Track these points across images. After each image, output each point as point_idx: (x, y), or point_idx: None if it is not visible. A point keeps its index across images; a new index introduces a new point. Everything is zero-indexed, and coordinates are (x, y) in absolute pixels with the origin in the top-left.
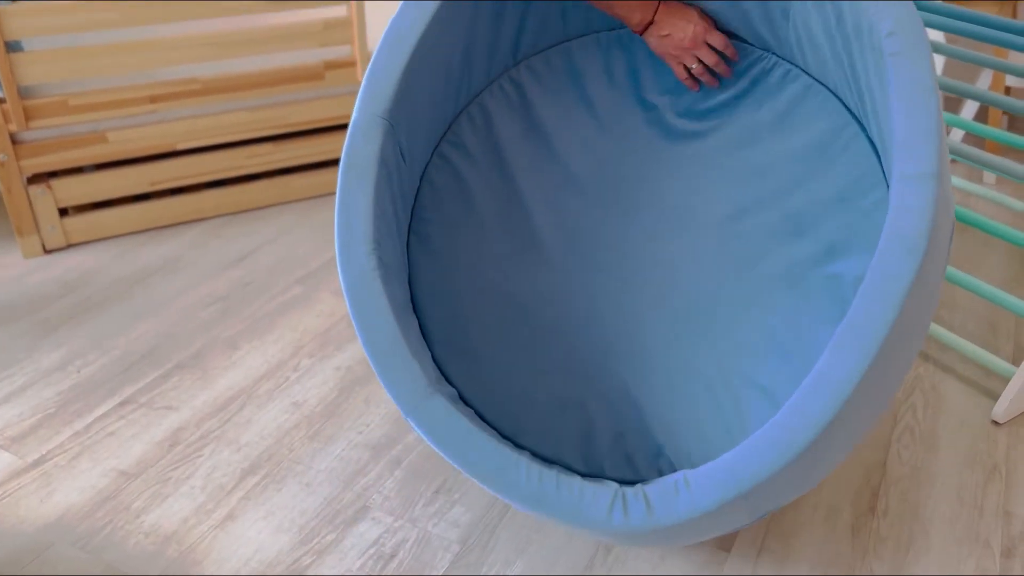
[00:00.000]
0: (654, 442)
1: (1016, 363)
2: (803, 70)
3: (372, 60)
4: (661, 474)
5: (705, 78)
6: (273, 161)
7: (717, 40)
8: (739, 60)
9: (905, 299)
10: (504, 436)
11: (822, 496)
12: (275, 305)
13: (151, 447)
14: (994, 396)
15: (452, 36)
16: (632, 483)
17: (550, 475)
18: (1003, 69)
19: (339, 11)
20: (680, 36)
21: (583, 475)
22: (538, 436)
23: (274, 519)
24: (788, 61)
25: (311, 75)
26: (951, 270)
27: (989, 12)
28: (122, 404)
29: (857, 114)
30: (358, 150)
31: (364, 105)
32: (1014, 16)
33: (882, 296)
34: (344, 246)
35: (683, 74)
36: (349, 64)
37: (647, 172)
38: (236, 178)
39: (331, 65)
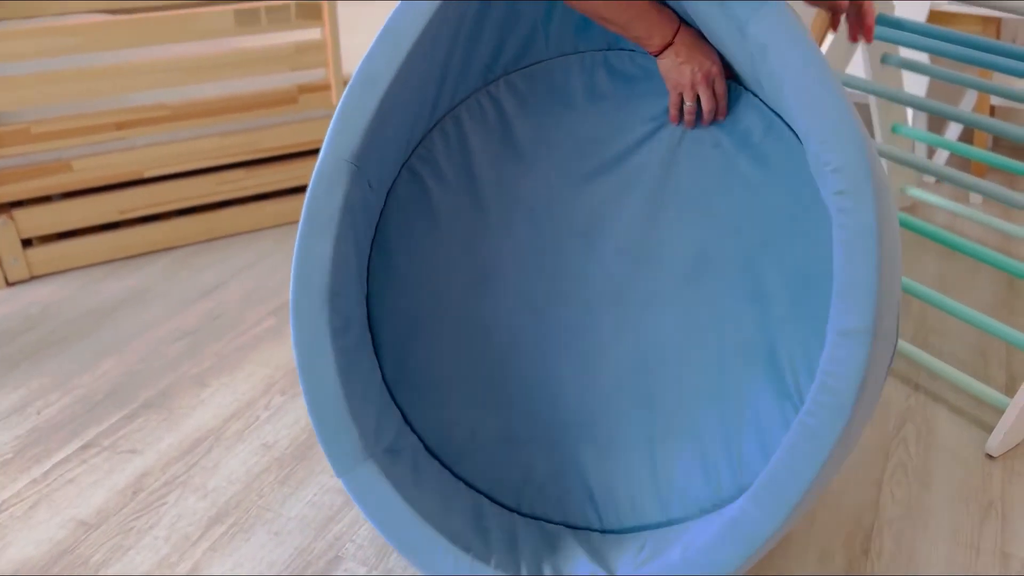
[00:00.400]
0: (587, 489)
1: (1009, 393)
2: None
3: (342, 101)
4: (588, 522)
5: (689, 117)
6: (245, 187)
7: (719, 87)
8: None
9: (828, 457)
10: (444, 464)
11: (813, 538)
12: (246, 339)
13: (113, 495)
14: (987, 427)
15: (430, 60)
16: (560, 524)
17: (465, 560)
18: (987, 90)
19: (313, 34)
20: (694, 68)
21: (515, 512)
22: (477, 469)
23: (242, 571)
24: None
25: (284, 99)
26: (940, 296)
27: (973, 31)
28: (84, 448)
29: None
30: (320, 199)
31: (331, 149)
32: (998, 35)
33: (805, 455)
34: (298, 301)
35: (675, 103)
36: (324, 88)
37: (619, 202)
38: (207, 205)
39: (305, 89)
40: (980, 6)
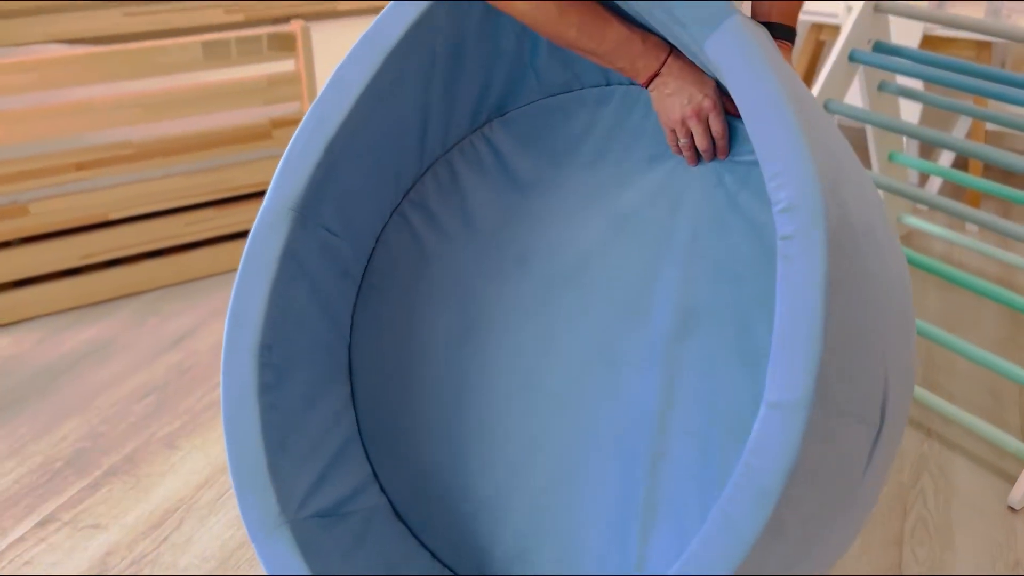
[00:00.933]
0: (553, 554)
1: None
2: None
3: (289, 145)
4: None
5: (687, 154)
6: (216, 227)
7: (716, 124)
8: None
9: (747, 553)
10: (409, 528)
11: None
12: (219, 394)
13: None
14: (1007, 477)
15: (397, 105)
16: None
17: None
18: (982, 117)
19: (286, 66)
20: (684, 101)
21: None
22: (441, 536)
23: None
24: None
25: (257, 134)
26: (946, 335)
27: (966, 56)
28: (42, 524)
29: None
30: (257, 247)
31: (273, 196)
32: (990, 58)
33: (721, 549)
34: (228, 352)
35: (671, 140)
36: (298, 121)
37: (614, 249)
38: (175, 247)
39: (279, 123)
40: (972, 31)
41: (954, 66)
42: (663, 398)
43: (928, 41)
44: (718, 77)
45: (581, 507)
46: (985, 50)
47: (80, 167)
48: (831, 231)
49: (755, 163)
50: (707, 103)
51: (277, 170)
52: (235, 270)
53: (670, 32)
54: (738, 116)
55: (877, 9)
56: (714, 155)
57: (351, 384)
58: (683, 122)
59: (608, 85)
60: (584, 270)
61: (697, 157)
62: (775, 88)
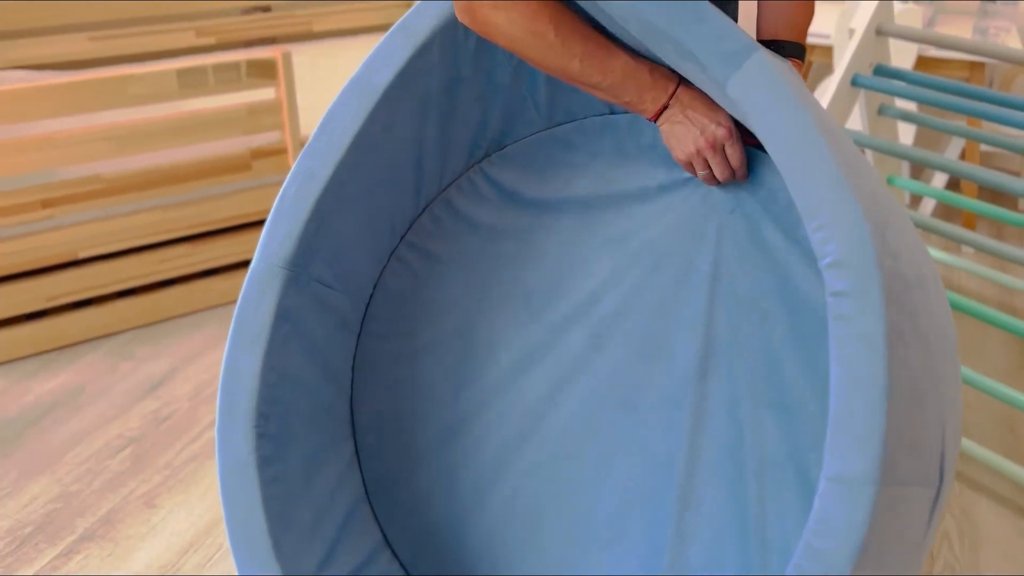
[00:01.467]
0: None
1: None
2: None
3: (276, 201)
4: None
5: (710, 183)
6: (191, 264)
7: (734, 153)
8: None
9: None
10: None
11: None
12: (201, 445)
13: None
14: None
15: (391, 147)
16: None
17: None
18: (975, 138)
19: (266, 94)
20: (696, 132)
21: None
22: None
23: None
24: None
25: (236, 166)
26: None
27: (959, 76)
28: None
29: None
30: (248, 311)
31: (262, 254)
32: (983, 80)
33: None
34: (223, 425)
35: (689, 171)
36: (279, 151)
37: (627, 282)
38: (148, 286)
39: (259, 153)
40: (965, 52)
41: (949, 87)
42: (687, 444)
43: (921, 63)
44: (741, 118)
45: (602, 567)
46: (978, 71)
47: (46, 204)
48: (886, 287)
49: (776, 192)
50: (721, 132)
51: (266, 227)
52: (212, 308)
53: (684, 70)
54: (755, 144)
55: (879, 32)
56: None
57: (354, 440)
58: (698, 154)
59: (612, 114)
60: (595, 307)
61: (715, 179)
62: (812, 131)
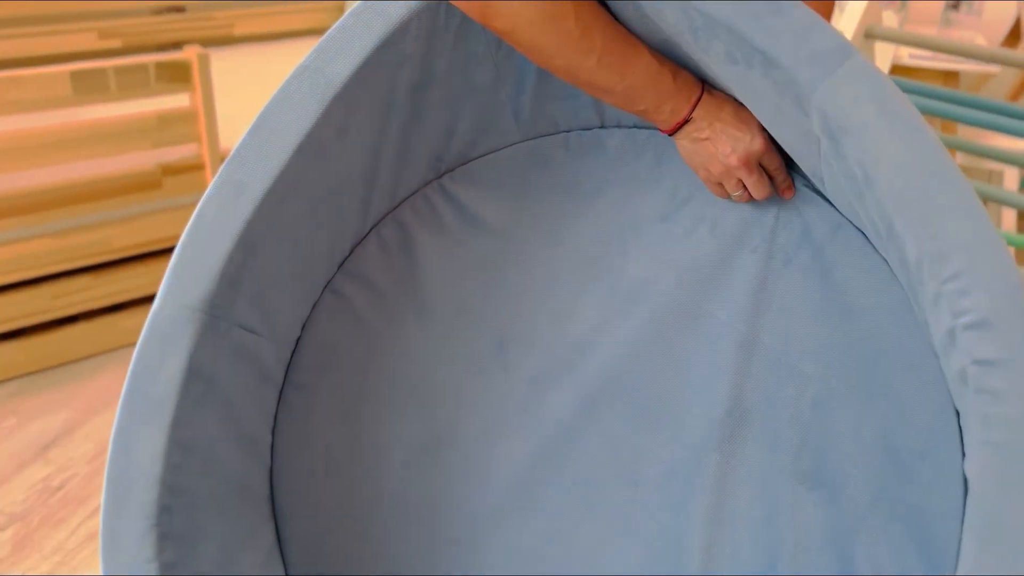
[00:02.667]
0: None
1: None
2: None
3: (191, 222)
4: None
5: (745, 200)
6: (92, 299)
7: (772, 161)
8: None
9: None
10: None
11: None
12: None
13: None
14: None
15: (344, 154)
16: None
17: None
18: (953, 147)
19: (180, 100)
20: (726, 149)
21: None
22: None
23: None
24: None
25: (144, 184)
26: None
27: (934, 84)
28: None
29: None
30: (149, 367)
31: (170, 292)
32: (959, 87)
33: None
34: (110, 528)
35: (719, 192)
36: (196, 167)
37: (623, 331)
38: (40, 325)
39: (172, 170)
40: (942, 58)
41: (955, 99)
42: (702, 524)
43: (896, 70)
44: (827, 137)
45: None
46: (952, 79)
47: None
48: None
49: (811, 226)
50: (756, 144)
51: (174, 258)
52: (118, 349)
53: (731, 75)
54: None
55: (867, 35)
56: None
57: (275, 519)
58: (730, 173)
59: (603, 127)
60: (584, 359)
61: (750, 196)
62: (939, 158)
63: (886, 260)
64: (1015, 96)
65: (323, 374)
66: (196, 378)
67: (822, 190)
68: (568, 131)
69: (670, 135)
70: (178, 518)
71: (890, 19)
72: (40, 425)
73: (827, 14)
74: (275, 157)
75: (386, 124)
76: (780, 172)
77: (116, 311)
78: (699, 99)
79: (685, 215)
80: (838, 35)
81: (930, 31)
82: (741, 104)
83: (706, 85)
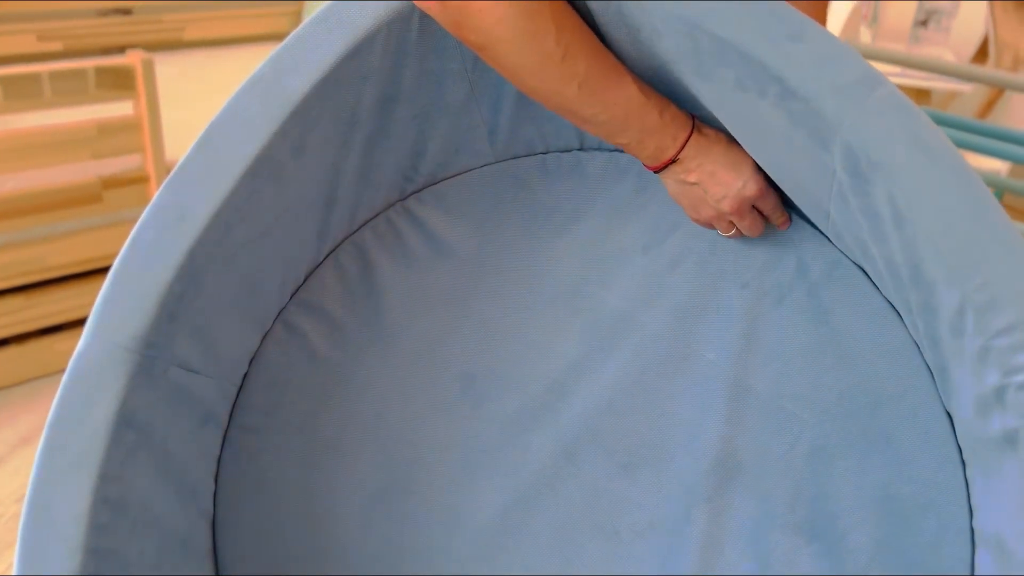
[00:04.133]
0: None
1: None
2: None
3: (123, 254)
4: None
5: (735, 237)
6: (24, 320)
7: (767, 204)
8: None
9: None
10: None
11: None
12: None
13: None
14: None
15: (300, 175)
16: None
17: None
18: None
19: (122, 108)
20: (717, 194)
21: None
22: None
23: None
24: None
25: (82, 198)
26: None
27: None
28: None
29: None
30: (72, 416)
31: (98, 329)
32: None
33: None
34: None
35: (707, 226)
36: (139, 180)
37: (603, 369)
38: None
39: (113, 182)
40: (912, 75)
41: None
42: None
43: None
44: (850, 175)
45: None
46: (924, 97)
47: None
48: None
49: (807, 263)
50: (749, 190)
51: (104, 290)
52: (51, 375)
53: (737, 103)
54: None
55: None
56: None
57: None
58: (720, 218)
59: (583, 149)
60: (560, 399)
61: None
62: (987, 203)
63: (890, 302)
64: (983, 114)
65: (273, 414)
66: (127, 426)
67: (819, 225)
68: (546, 152)
69: (655, 172)
70: None
71: (864, 35)
72: None
73: (822, 19)
74: (222, 178)
75: (348, 141)
76: (776, 212)
77: (50, 333)
78: (688, 139)
79: (670, 246)
80: (864, 63)
81: (899, 48)
82: (734, 142)
83: (697, 123)
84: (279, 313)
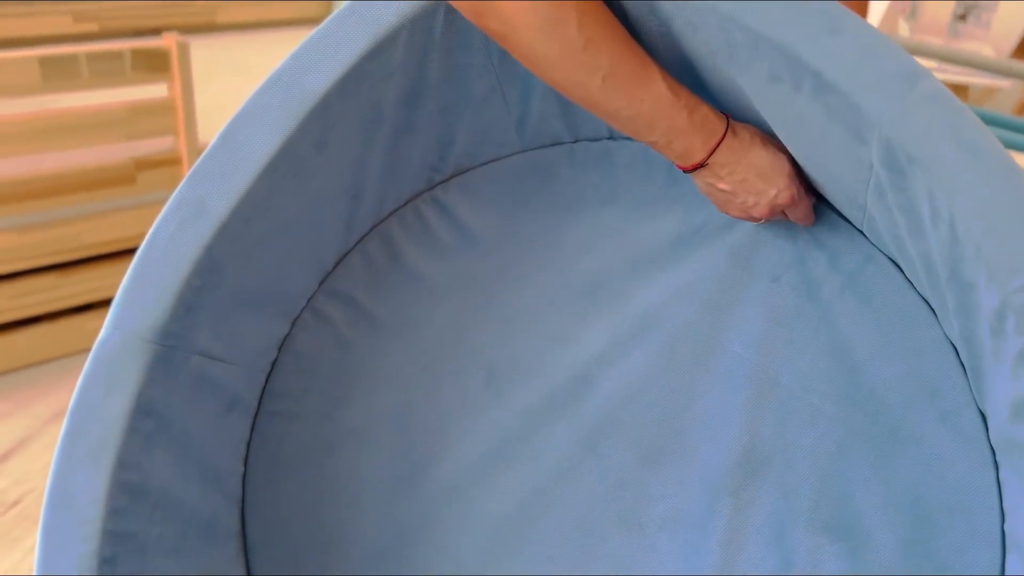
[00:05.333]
0: None
1: None
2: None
3: (146, 242)
4: None
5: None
6: (58, 299)
7: (799, 214)
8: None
9: None
10: None
11: None
12: None
13: None
14: None
15: (323, 172)
16: None
17: None
18: None
19: (157, 91)
20: (748, 201)
21: None
22: None
23: None
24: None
25: (116, 178)
26: None
27: None
28: None
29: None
30: (90, 404)
31: (118, 321)
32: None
33: None
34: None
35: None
36: (172, 162)
37: (626, 361)
38: (3, 325)
39: (146, 164)
40: (950, 70)
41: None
42: (714, 573)
43: None
44: (891, 173)
45: None
46: (961, 93)
47: None
48: None
49: (841, 251)
50: (782, 199)
51: (124, 283)
52: (83, 352)
53: (774, 96)
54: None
55: None
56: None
57: (246, 559)
58: (749, 218)
59: (612, 139)
60: (585, 390)
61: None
62: None
63: (924, 299)
64: (1021, 111)
65: (301, 400)
66: (145, 416)
67: (854, 220)
68: (574, 142)
69: (684, 172)
70: (125, 567)
71: (903, 29)
72: None
73: (863, 13)
74: (241, 174)
75: (373, 136)
76: (805, 221)
77: (84, 312)
78: (719, 143)
79: (700, 239)
80: (905, 55)
81: (937, 41)
82: (770, 141)
83: (732, 124)
84: (308, 301)
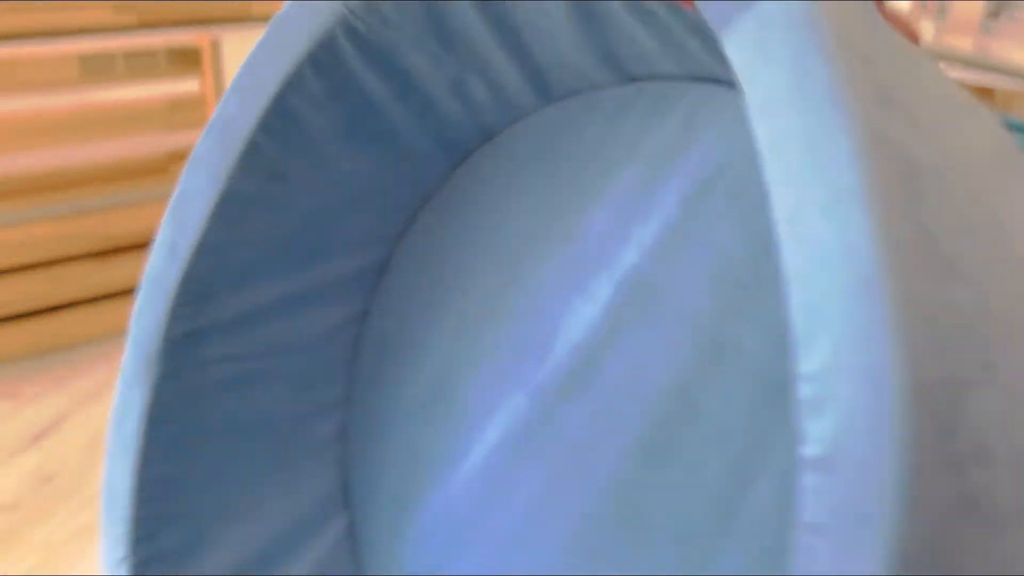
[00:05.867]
0: None
1: None
2: None
3: (160, 236)
4: None
5: None
6: (94, 285)
7: None
8: None
9: None
10: None
11: None
12: (91, 515)
13: None
14: None
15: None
16: None
17: None
18: None
19: (189, 86)
20: None
21: None
22: None
23: None
24: None
25: (150, 169)
26: None
27: None
28: None
29: None
30: (121, 409)
31: (135, 341)
32: (993, 105)
33: None
34: (105, 548)
35: None
36: None
37: (644, 339)
38: (39, 311)
39: (180, 156)
40: (977, 72)
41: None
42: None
43: None
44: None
45: None
46: (987, 97)
47: None
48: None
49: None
50: None
51: (136, 302)
52: (116, 336)
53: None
54: None
55: None
56: None
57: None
58: None
59: (634, 81)
60: (592, 369)
61: None
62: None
63: None
64: None
65: (374, 390)
66: (160, 424)
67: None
68: (591, 90)
69: None
70: (157, 547)
71: (927, 29)
72: (35, 411)
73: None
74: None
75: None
76: None
77: (118, 298)
78: None
79: (709, 200)
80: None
81: (968, 40)
82: None
83: None
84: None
